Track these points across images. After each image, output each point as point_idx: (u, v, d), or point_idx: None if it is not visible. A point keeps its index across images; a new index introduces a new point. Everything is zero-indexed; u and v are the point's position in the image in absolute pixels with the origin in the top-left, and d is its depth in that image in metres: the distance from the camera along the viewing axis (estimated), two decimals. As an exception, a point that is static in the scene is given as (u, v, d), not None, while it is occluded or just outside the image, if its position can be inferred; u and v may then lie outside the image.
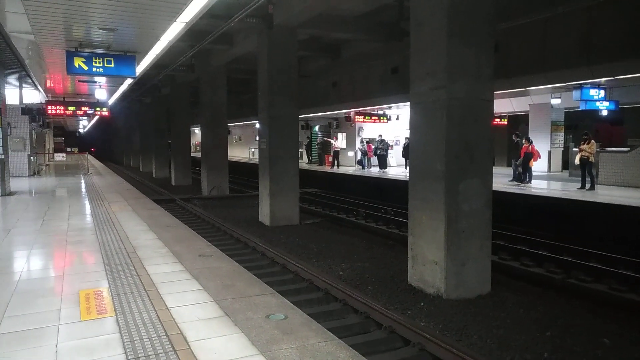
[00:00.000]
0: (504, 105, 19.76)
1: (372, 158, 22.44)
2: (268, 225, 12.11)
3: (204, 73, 18.17)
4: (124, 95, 21.37)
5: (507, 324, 5.79)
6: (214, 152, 18.58)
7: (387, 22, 12.03)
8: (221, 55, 16.25)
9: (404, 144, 20.42)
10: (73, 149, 44.22)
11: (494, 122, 15.60)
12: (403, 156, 20.11)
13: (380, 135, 21.85)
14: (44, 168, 23.39)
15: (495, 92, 7.72)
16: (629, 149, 14.98)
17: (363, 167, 22.37)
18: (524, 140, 15.19)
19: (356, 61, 16.17)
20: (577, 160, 13.34)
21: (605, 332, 5.54)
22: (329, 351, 3.18)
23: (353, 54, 15.51)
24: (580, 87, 13.91)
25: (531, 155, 14.68)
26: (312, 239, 10.62)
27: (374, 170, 21.05)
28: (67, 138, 50.74)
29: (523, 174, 14.61)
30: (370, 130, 23.91)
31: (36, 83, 14.66)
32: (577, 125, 22.34)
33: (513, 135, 15.73)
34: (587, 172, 12.93)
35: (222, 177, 18.82)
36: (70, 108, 17.07)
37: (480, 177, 6.82)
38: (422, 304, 6.44)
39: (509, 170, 16.12)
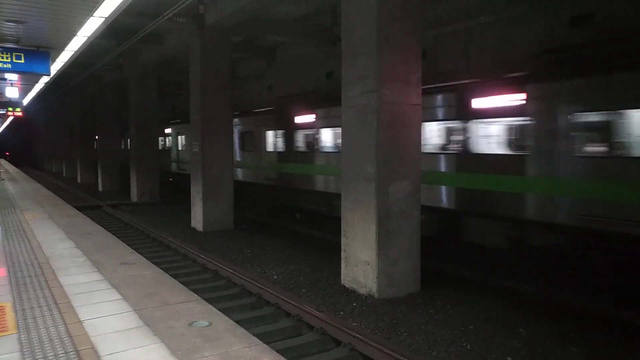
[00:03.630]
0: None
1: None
2: (201, 230, 11.73)
3: (133, 73, 17.33)
4: (42, 95, 19.85)
5: (434, 320, 5.98)
6: (144, 156, 17.74)
7: (321, 27, 12.15)
8: (151, 55, 15.57)
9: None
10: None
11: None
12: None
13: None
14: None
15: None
16: None
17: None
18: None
19: (292, 65, 16.18)
20: None
21: (522, 323, 5.90)
22: (253, 356, 3.08)
23: (289, 57, 15.49)
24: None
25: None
26: (247, 243, 10.41)
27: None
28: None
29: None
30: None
31: None
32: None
33: None
34: None
35: (153, 181, 18.00)
36: (-23, 108, 15.53)
37: (409, 179, 7.02)
38: (355, 304, 6.50)
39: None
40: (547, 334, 5.57)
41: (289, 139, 13.41)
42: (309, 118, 12.51)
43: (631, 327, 5.70)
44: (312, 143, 12.55)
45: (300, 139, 13.17)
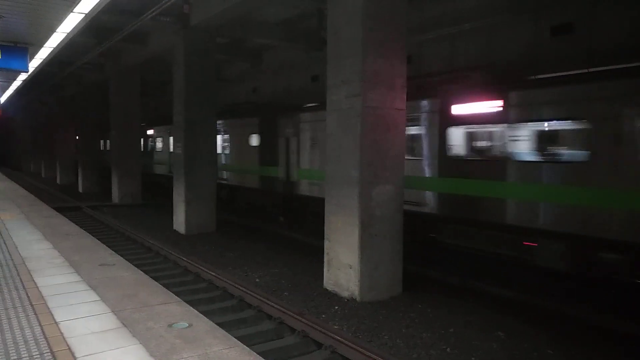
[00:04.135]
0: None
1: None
2: (183, 233, 11.59)
3: (115, 73, 17.07)
4: (20, 93, 19.40)
5: (415, 323, 6.02)
6: (126, 157, 17.48)
7: (308, 30, 12.17)
8: (134, 55, 15.38)
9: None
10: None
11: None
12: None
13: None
14: None
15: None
16: None
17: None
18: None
19: (278, 68, 16.18)
20: None
21: (501, 326, 5.98)
22: (233, 358, 3.06)
23: (274, 60, 15.49)
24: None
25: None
26: (229, 246, 10.33)
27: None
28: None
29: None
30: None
31: None
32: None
33: None
34: None
35: (135, 183, 17.74)
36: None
37: (392, 183, 7.07)
38: (337, 307, 6.50)
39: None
40: (524, 336, 5.66)
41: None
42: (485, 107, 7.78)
43: (606, 330, 5.84)
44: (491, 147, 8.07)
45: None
